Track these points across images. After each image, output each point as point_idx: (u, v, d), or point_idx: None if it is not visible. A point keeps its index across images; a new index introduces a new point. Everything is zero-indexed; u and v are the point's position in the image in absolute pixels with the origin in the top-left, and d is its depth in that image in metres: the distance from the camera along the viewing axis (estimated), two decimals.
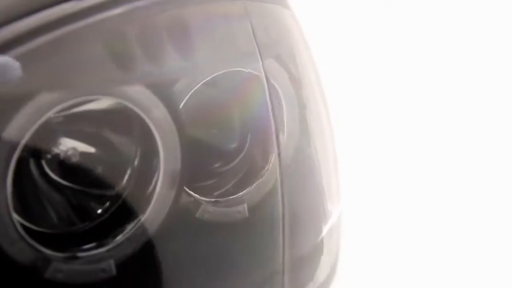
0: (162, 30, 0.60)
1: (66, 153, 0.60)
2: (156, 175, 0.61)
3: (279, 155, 0.68)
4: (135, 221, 0.60)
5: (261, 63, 0.66)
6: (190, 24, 0.63)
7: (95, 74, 0.56)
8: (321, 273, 0.79)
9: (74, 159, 0.60)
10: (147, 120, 0.59)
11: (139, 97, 0.58)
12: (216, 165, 0.73)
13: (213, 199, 0.68)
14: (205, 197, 0.68)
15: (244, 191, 0.71)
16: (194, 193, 0.66)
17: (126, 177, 0.62)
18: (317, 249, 0.79)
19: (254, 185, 0.72)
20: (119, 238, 0.60)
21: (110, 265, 0.58)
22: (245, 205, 0.70)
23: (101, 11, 0.56)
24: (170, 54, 0.60)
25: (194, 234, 0.67)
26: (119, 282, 0.59)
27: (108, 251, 0.59)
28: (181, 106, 0.63)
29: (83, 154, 0.61)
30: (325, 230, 0.79)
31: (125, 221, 0.60)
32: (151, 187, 0.61)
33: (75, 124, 0.60)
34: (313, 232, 0.78)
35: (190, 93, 0.64)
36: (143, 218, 0.60)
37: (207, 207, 0.67)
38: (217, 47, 0.64)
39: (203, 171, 0.71)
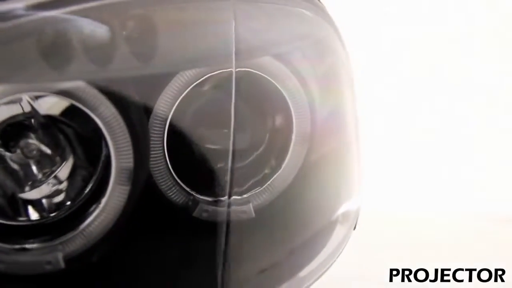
0: (115, 30, 0.60)
1: (29, 150, 0.63)
2: (109, 172, 0.62)
3: (233, 152, 0.66)
4: (87, 217, 0.62)
5: (233, 61, 0.65)
6: (157, 23, 0.62)
7: (33, 71, 0.57)
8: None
9: (36, 156, 0.63)
10: (95, 118, 0.60)
11: (83, 95, 0.59)
12: (219, 165, 0.72)
13: (213, 199, 0.68)
14: (208, 196, 0.67)
15: (252, 191, 0.70)
16: (194, 191, 0.67)
17: (90, 175, 0.64)
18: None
19: (265, 186, 0.71)
20: (71, 233, 0.61)
21: (57, 258, 0.60)
22: (250, 205, 0.69)
23: (41, 10, 0.57)
24: (122, 53, 0.60)
25: (175, 233, 0.67)
26: (70, 276, 0.61)
27: (59, 244, 0.61)
28: (173, 109, 0.64)
29: (46, 153, 0.64)
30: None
31: (78, 216, 0.62)
32: (105, 183, 0.62)
33: (40, 124, 0.63)
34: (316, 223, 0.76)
35: (181, 97, 0.65)
36: (94, 214, 0.61)
37: (205, 206, 0.67)
38: (186, 46, 0.64)
39: (198, 170, 0.70)
